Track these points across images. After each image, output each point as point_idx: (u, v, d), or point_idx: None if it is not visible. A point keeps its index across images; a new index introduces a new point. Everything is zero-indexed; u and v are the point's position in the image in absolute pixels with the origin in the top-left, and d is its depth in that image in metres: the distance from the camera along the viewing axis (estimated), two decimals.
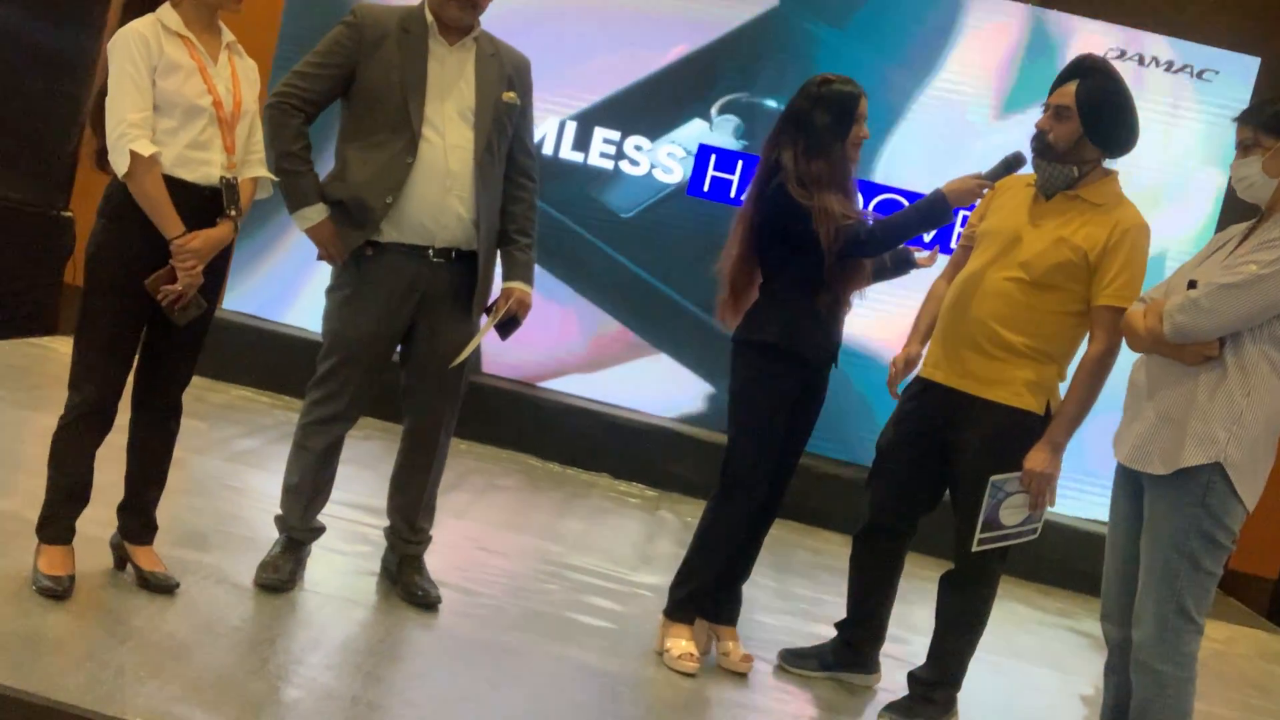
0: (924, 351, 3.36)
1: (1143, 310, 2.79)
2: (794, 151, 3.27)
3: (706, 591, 3.43)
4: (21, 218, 5.70)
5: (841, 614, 3.55)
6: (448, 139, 3.19)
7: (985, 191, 3.24)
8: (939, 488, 3.32)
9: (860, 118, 3.28)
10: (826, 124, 3.24)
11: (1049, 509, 3.14)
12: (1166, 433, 2.70)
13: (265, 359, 5.69)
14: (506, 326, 3.34)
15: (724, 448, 3.40)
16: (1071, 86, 3.10)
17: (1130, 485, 2.84)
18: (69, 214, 5.87)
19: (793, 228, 3.23)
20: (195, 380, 3.14)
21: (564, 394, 5.89)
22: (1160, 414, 2.72)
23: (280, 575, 3.28)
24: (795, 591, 4.45)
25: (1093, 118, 3.08)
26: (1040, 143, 3.14)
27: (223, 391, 5.51)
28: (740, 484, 3.34)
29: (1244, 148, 2.72)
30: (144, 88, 2.75)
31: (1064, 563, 5.42)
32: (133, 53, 2.75)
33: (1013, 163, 3.21)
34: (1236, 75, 5.65)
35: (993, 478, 3.07)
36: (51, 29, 5.53)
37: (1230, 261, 2.66)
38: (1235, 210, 4.34)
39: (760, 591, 4.04)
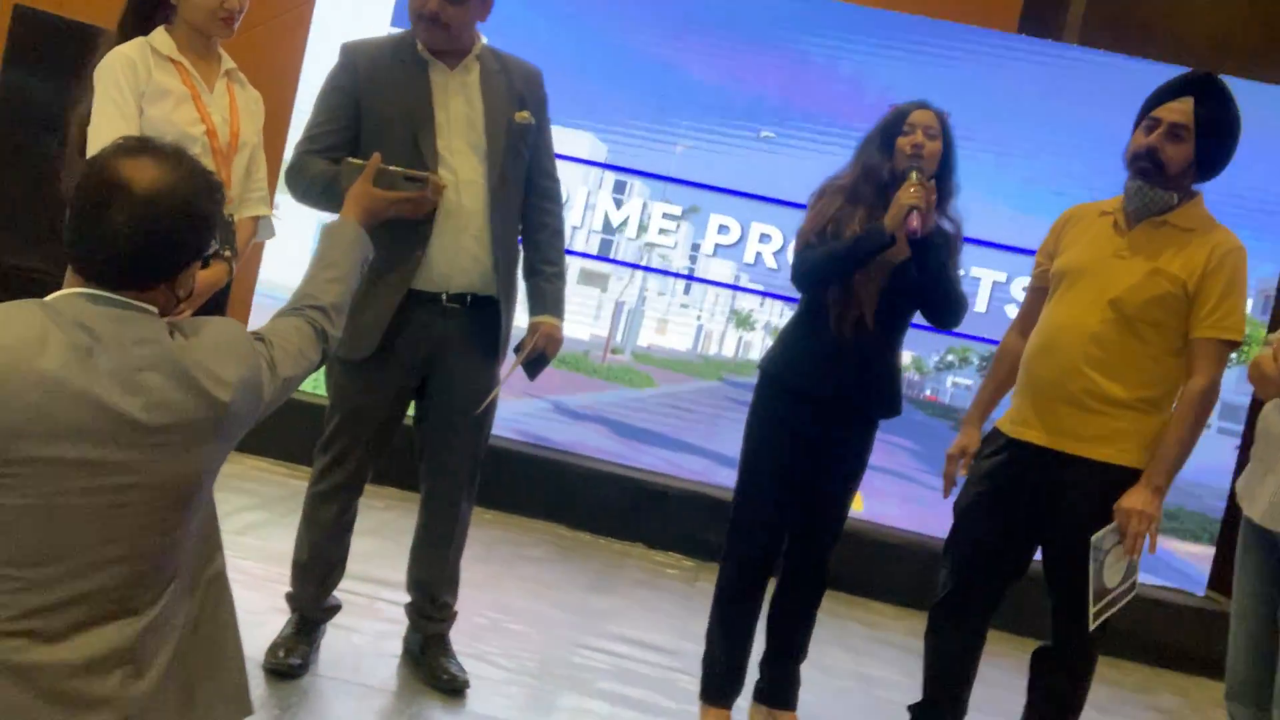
0: (982, 435, 3.00)
1: (1272, 352, 2.42)
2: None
3: (730, 667, 3.10)
4: (41, 288, 5.40)
5: (915, 695, 3.16)
6: (460, 175, 2.86)
7: (912, 207, 2.80)
8: (1027, 554, 2.94)
9: (912, 126, 2.93)
10: (870, 134, 3.03)
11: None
12: None
13: (284, 428, 5.35)
14: (535, 365, 3.00)
15: None
16: (1188, 104, 2.72)
17: (1263, 547, 2.46)
18: None
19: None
20: None
21: (591, 459, 5.55)
22: None
23: (292, 658, 2.95)
24: (859, 670, 4.07)
25: (1210, 143, 2.72)
26: (1150, 162, 2.74)
27: (235, 462, 5.20)
28: (732, 534, 3.07)
29: None
30: (129, 114, 2.49)
31: (1131, 634, 4.99)
32: (118, 77, 2.50)
33: (910, 175, 2.86)
34: None
35: (1092, 538, 2.70)
36: (51, 88, 5.27)
37: None
38: None
39: (819, 673, 3.67)
